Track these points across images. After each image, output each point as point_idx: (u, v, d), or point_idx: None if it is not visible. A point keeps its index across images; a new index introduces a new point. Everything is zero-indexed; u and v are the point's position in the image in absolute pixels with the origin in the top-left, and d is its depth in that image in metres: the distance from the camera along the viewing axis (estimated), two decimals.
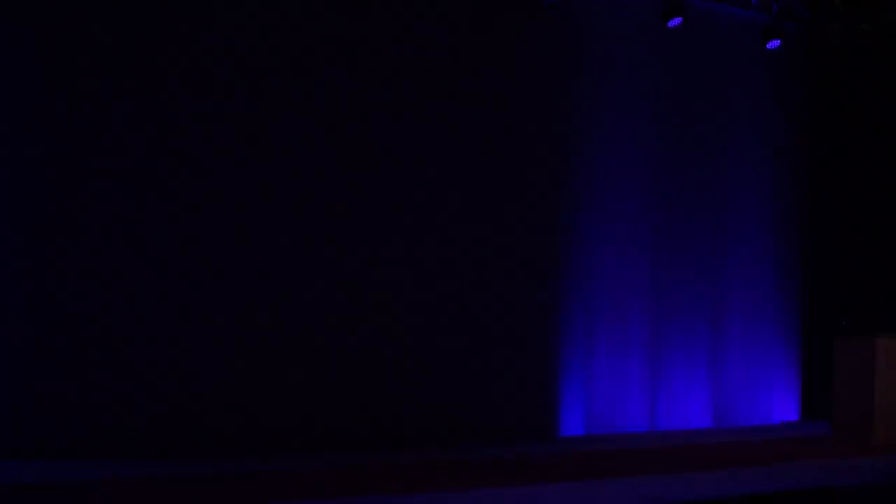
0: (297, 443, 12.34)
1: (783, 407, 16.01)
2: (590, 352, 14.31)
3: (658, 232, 14.97)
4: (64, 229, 11.32)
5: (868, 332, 13.53)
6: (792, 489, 10.07)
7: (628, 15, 14.76)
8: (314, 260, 12.58)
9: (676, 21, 14.42)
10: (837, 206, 16.33)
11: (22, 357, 11.09)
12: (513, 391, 13.72)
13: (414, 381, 13.08)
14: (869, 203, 16.25)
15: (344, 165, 12.77)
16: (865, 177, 16.30)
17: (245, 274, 12.19)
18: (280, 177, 12.40)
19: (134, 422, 11.54)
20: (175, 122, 11.84)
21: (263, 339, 12.24)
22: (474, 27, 13.60)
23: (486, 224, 13.63)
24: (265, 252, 12.31)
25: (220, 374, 11.99)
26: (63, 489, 9.57)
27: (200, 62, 11.99)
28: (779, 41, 15.15)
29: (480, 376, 13.51)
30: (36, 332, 11.14)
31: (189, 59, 11.92)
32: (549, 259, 14.09)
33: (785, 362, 15.87)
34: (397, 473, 10.87)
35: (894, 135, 16.16)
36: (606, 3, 14.59)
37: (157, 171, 11.74)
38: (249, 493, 9.57)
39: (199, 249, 11.95)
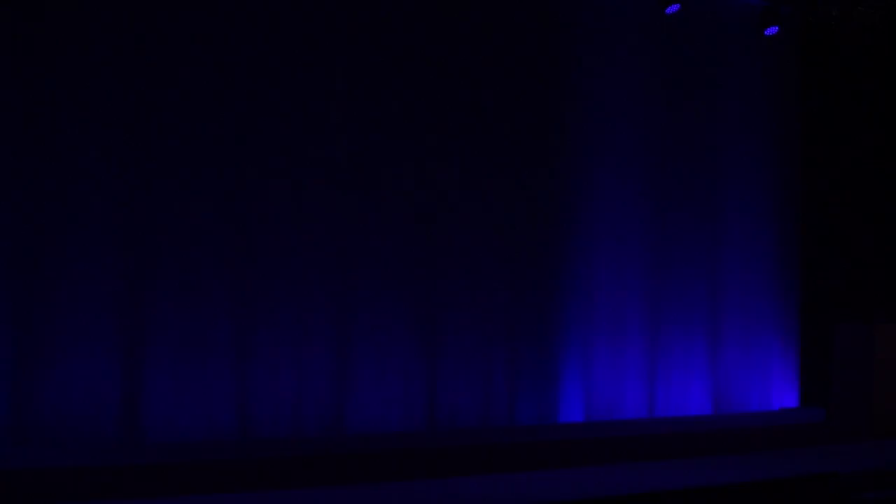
0: (289, 431, 12.39)
1: (782, 393, 15.99)
2: (589, 339, 14.28)
3: (654, 219, 14.91)
4: (54, 226, 11.33)
5: (867, 320, 13.52)
6: (791, 476, 10.06)
7: (624, 1, 14.72)
8: (317, 253, 12.60)
9: (674, 8, 14.38)
10: (835, 192, 16.28)
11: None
12: (512, 377, 13.71)
13: (417, 367, 13.07)
14: (867, 188, 16.21)
15: (341, 165, 12.76)
16: (863, 162, 16.25)
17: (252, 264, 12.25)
18: (273, 170, 12.41)
19: (136, 409, 11.56)
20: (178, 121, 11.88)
21: (263, 326, 12.28)
22: (466, 18, 13.58)
23: (485, 216, 13.61)
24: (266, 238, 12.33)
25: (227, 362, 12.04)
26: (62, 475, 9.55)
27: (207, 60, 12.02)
28: (777, 28, 15.11)
29: (481, 361, 13.52)
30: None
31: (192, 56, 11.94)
32: (548, 247, 14.06)
33: (783, 348, 15.85)
34: (396, 461, 10.86)
35: (892, 119, 16.12)
36: None
37: (147, 166, 11.75)
38: (265, 479, 9.56)
39: (207, 244, 11.99)
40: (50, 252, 11.20)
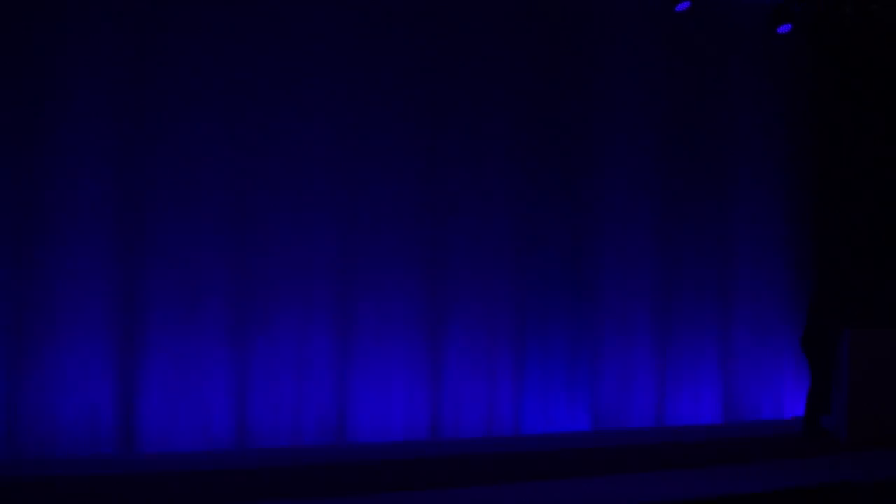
0: (288, 440, 12.22)
1: (794, 401, 15.83)
2: (596, 346, 14.17)
3: (663, 223, 14.82)
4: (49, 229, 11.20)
5: (884, 326, 13.34)
6: (803, 486, 9.87)
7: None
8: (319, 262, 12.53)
9: (685, 5, 14.28)
10: (849, 195, 16.13)
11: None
12: (517, 385, 13.61)
13: (421, 375, 12.98)
14: (883, 191, 16.05)
15: (343, 166, 12.69)
16: (877, 164, 16.09)
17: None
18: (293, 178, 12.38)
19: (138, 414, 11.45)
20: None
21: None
22: (476, 18, 13.49)
23: (491, 220, 13.53)
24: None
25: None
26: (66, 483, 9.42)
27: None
28: (790, 25, 14.98)
29: (486, 369, 13.41)
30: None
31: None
32: (556, 252, 13.94)
33: (796, 356, 15.68)
34: (398, 470, 10.71)
35: None
36: None
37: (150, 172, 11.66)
38: (264, 490, 9.41)
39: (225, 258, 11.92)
40: (45, 258, 11.13)
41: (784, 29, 15.04)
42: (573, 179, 14.12)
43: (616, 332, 14.35)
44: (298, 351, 12.30)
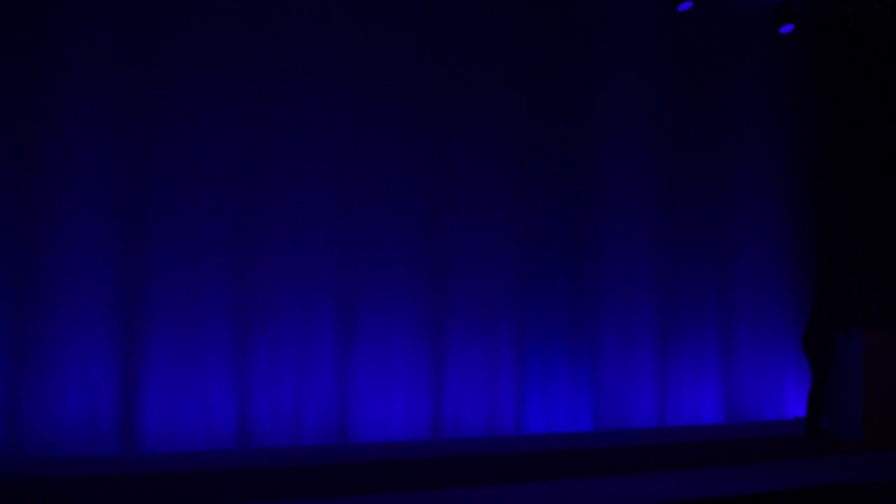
0: (289, 440, 12.20)
1: (796, 401, 15.79)
2: (598, 345, 14.14)
3: (665, 224, 14.80)
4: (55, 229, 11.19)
5: (886, 326, 13.31)
6: (807, 486, 9.83)
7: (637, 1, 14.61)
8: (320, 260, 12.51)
9: (687, 5, 14.25)
10: (851, 194, 16.09)
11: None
12: (519, 385, 13.58)
13: (422, 375, 12.95)
14: (885, 190, 16.01)
15: (345, 167, 12.68)
16: (880, 166, 16.05)
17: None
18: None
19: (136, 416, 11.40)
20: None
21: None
22: (478, 17, 13.48)
23: (492, 222, 13.51)
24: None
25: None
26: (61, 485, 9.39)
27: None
28: (792, 26, 14.96)
29: (488, 368, 13.37)
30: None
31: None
32: (557, 253, 13.91)
33: (798, 356, 15.65)
34: (399, 470, 10.67)
35: None
36: None
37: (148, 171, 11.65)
38: (264, 490, 9.37)
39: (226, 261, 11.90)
40: (45, 258, 11.11)
41: (786, 29, 15.02)
42: (575, 180, 14.10)
43: (618, 332, 14.34)
44: (299, 350, 12.28)
